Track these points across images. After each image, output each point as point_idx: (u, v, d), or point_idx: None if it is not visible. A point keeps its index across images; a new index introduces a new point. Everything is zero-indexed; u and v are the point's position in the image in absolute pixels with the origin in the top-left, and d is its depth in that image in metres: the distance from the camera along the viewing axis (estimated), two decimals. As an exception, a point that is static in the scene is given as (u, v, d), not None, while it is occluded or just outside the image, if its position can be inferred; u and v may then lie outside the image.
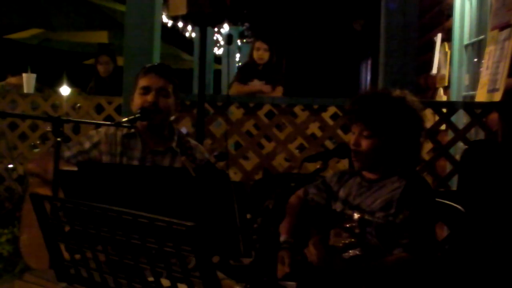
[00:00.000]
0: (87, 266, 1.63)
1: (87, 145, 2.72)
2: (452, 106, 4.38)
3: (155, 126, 2.69)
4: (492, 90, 4.06)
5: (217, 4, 3.46)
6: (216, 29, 10.91)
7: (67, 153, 2.67)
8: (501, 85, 3.91)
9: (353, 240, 2.22)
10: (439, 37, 5.77)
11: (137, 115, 2.61)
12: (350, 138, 2.34)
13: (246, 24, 13.14)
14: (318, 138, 4.61)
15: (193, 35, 10.43)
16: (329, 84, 14.37)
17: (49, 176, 2.51)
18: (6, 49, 10.97)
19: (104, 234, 1.53)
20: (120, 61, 5.58)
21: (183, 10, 3.48)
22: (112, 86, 6.36)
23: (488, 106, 4.14)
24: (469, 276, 2.99)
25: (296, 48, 14.67)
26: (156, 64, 2.94)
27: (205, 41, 3.78)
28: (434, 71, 5.79)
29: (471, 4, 5.14)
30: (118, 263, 1.54)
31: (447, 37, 5.54)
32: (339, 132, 4.51)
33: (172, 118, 2.80)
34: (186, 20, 9.20)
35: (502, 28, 4.06)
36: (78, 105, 5.30)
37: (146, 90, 2.68)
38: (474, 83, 4.86)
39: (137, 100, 2.69)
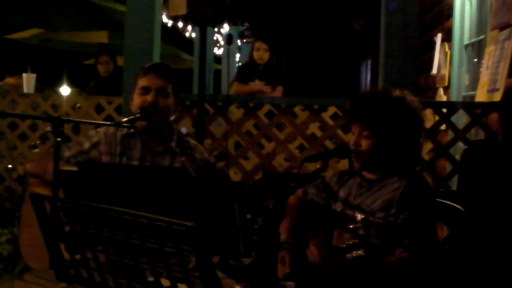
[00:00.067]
0: (87, 266, 1.63)
1: (86, 145, 2.72)
2: (452, 106, 4.38)
3: (154, 126, 2.69)
4: (492, 90, 4.06)
5: (217, 4, 3.46)
6: (216, 29, 10.91)
7: (66, 153, 2.67)
8: (501, 85, 3.91)
9: (356, 241, 2.21)
10: (439, 37, 5.77)
11: (137, 115, 2.61)
12: (350, 138, 2.34)
13: (246, 24, 13.14)
14: (318, 138, 4.61)
15: (193, 35, 10.43)
16: (329, 84, 14.38)
17: (48, 176, 2.51)
18: (6, 49, 10.98)
19: (104, 234, 1.53)
20: (120, 61, 5.58)
21: (183, 10, 3.48)
22: (112, 86, 6.36)
23: (488, 106, 4.14)
24: (469, 276, 2.99)
25: (296, 48, 14.67)
26: (155, 64, 2.93)
27: (205, 41, 3.78)
28: (434, 71, 5.79)
29: (471, 4, 5.14)
30: (118, 263, 1.54)
31: (447, 37, 5.54)
32: (339, 132, 4.51)
33: (172, 118, 2.80)
34: (186, 20, 9.20)
35: (502, 28, 4.06)
36: (78, 105, 5.30)
37: (145, 90, 2.68)
38: (474, 83, 4.86)
39: (137, 100, 2.69)
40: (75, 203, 1.60)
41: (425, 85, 6.22)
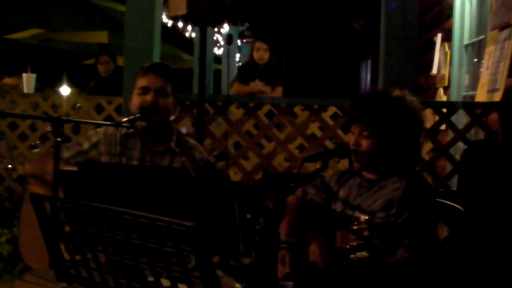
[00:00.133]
0: (87, 266, 1.63)
1: (86, 145, 2.71)
2: (452, 106, 4.38)
3: (154, 126, 2.69)
4: (492, 90, 4.06)
5: (217, 4, 3.46)
6: (216, 29, 10.92)
7: (66, 154, 2.67)
8: (501, 85, 3.91)
9: (361, 242, 2.21)
10: (439, 37, 5.77)
11: (137, 115, 2.60)
12: (350, 138, 2.34)
13: (246, 24, 13.14)
14: (318, 138, 4.61)
15: (193, 35, 10.44)
16: (329, 84, 14.38)
17: (48, 176, 2.51)
18: (6, 49, 10.98)
19: (104, 234, 1.53)
20: (120, 61, 5.58)
21: (183, 10, 3.48)
22: (112, 86, 6.36)
23: (488, 106, 4.14)
24: (469, 276, 2.99)
25: (296, 48, 14.67)
26: (154, 64, 2.92)
27: (205, 41, 3.78)
28: (434, 71, 5.79)
29: (471, 4, 5.14)
30: (118, 263, 1.54)
31: (447, 37, 5.54)
32: (339, 132, 4.51)
33: (172, 118, 2.80)
34: (186, 20, 9.21)
35: (502, 28, 4.06)
36: (78, 105, 5.30)
37: (145, 90, 2.67)
38: (474, 83, 4.86)
39: (136, 100, 2.68)
40: (75, 203, 1.60)
41: (425, 85, 6.22)
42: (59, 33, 9.01)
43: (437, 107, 4.40)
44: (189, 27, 10.47)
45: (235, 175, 4.62)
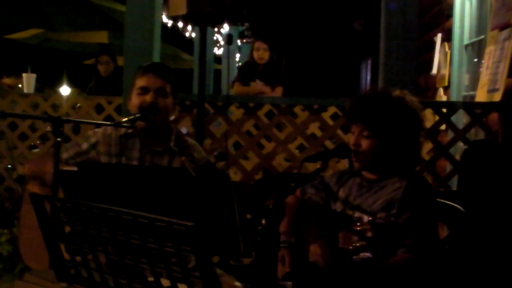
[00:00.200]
0: (87, 266, 1.63)
1: (84, 146, 2.71)
2: (452, 106, 4.38)
3: (153, 126, 2.68)
4: (492, 90, 4.06)
5: (217, 4, 3.46)
6: (216, 29, 10.92)
7: (65, 155, 2.66)
8: (501, 85, 3.91)
9: (364, 243, 2.21)
10: (439, 37, 5.77)
11: (136, 115, 2.60)
12: (350, 138, 2.34)
13: (246, 24, 13.14)
14: (318, 138, 4.61)
15: (193, 35, 10.44)
16: (329, 84, 14.38)
17: (47, 177, 2.50)
18: (6, 49, 10.98)
19: (104, 234, 1.53)
20: (120, 61, 5.58)
21: (183, 10, 3.48)
22: (112, 86, 6.36)
23: (488, 106, 4.14)
24: (469, 276, 2.99)
25: (296, 48, 14.67)
26: (154, 63, 2.92)
27: (205, 41, 3.78)
28: (434, 71, 5.79)
29: (471, 4, 5.14)
30: (118, 263, 1.54)
31: (447, 37, 5.54)
32: (339, 132, 4.51)
33: (172, 118, 2.80)
34: (186, 20, 9.21)
35: (502, 28, 4.06)
36: (78, 105, 5.30)
37: (144, 90, 2.66)
38: (474, 83, 4.86)
39: (135, 100, 2.67)
40: (75, 203, 1.60)
41: (425, 85, 6.22)
42: (59, 33, 9.01)
43: (437, 107, 4.40)
44: (189, 27, 10.47)
45: (235, 175, 4.62)
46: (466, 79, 5.21)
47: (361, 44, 14.06)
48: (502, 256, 3.13)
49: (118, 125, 2.64)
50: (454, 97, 5.25)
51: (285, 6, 12.95)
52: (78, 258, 1.64)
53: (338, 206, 2.37)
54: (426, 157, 4.31)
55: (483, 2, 4.88)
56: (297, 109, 4.67)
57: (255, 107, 4.61)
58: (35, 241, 2.18)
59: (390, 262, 2.17)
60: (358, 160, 2.31)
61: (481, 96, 4.28)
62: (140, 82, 2.68)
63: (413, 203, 2.21)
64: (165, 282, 1.48)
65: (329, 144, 4.64)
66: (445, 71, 5.51)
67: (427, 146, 4.30)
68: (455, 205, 2.47)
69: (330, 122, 4.57)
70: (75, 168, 2.26)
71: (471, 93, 4.90)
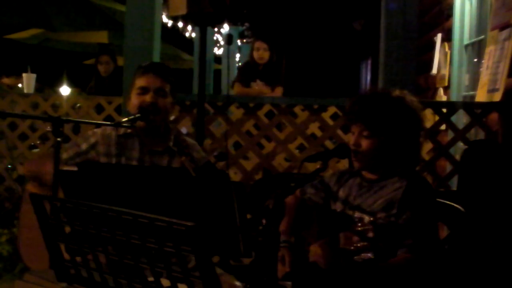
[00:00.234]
0: (87, 266, 1.63)
1: (84, 146, 2.70)
2: (452, 106, 4.38)
3: (153, 126, 2.68)
4: (492, 90, 4.06)
5: (217, 4, 3.46)
6: (216, 29, 10.92)
7: (64, 155, 2.65)
8: (501, 85, 3.91)
9: (365, 243, 2.21)
10: (439, 37, 5.77)
11: (136, 115, 2.60)
12: (350, 138, 2.34)
13: (246, 24, 13.15)
14: (318, 138, 4.61)
15: (193, 35, 10.45)
16: (329, 84, 14.39)
17: (47, 177, 2.50)
18: (6, 49, 10.99)
19: (104, 234, 1.53)
20: (120, 61, 5.58)
21: (183, 10, 3.48)
22: (112, 86, 6.36)
23: (488, 106, 4.14)
24: (469, 276, 2.99)
25: (296, 48, 14.68)
26: (153, 63, 2.91)
27: (205, 41, 3.78)
28: (434, 71, 5.79)
29: (471, 4, 5.14)
30: (118, 263, 1.54)
31: (447, 37, 5.54)
32: (339, 132, 4.51)
33: (172, 118, 2.79)
34: (186, 20, 9.21)
35: (502, 28, 4.06)
36: (78, 105, 5.30)
37: (144, 90, 2.66)
38: (474, 83, 4.86)
39: (135, 101, 2.66)
40: (75, 203, 1.60)
41: (425, 85, 6.22)
42: (59, 33, 9.02)
43: (437, 107, 4.40)
44: (189, 27, 10.47)
45: (235, 175, 4.62)
46: (466, 79, 5.21)
47: (361, 44, 14.06)
48: (502, 256, 3.13)
49: (118, 125, 2.64)
50: (454, 97, 5.25)
51: (285, 6, 12.96)
52: (78, 259, 1.63)
53: (338, 206, 2.37)
54: (426, 157, 4.31)
55: (483, 2, 4.88)
56: (297, 109, 4.67)
57: (255, 107, 4.61)
58: (35, 241, 2.18)
59: (391, 262, 2.17)
60: (358, 160, 2.31)
61: (481, 96, 4.28)
62: (140, 82, 2.68)
63: (413, 203, 2.21)
64: (165, 282, 1.48)
65: (329, 144, 4.64)
66: (445, 71, 5.51)
67: (427, 146, 4.30)
68: (455, 205, 2.47)
69: (330, 122, 4.57)
70: (75, 168, 2.26)
71: (471, 93, 4.90)
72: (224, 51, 12.10)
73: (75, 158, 2.66)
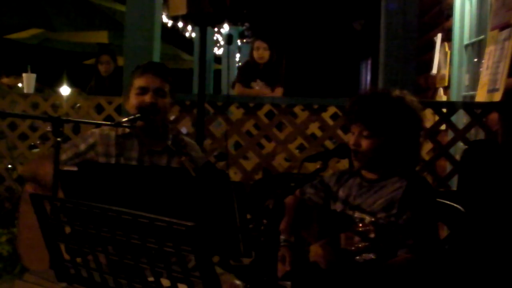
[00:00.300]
0: (87, 266, 1.63)
1: (82, 147, 2.69)
2: (452, 106, 4.38)
3: (152, 126, 2.67)
4: (492, 90, 4.06)
5: (217, 4, 3.46)
6: (216, 29, 10.92)
7: (63, 156, 2.64)
8: (501, 85, 3.91)
9: (367, 244, 2.21)
10: (439, 37, 5.77)
11: (136, 116, 2.59)
12: (350, 138, 2.34)
13: (246, 24, 13.15)
14: (318, 138, 4.61)
15: (193, 35, 10.44)
16: (329, 84, 14.38)
17: (46, 179, 2.49)
18: (6, 49, 10.99)
19: (104, 234, 1.53)
20: (120, 61, 5.58)
21: (183, 10, 3.48)
22: (112, 86, 6.36)
23: (488, 106, 4.14)
24: (469, 276, 2.99)
25: (296, 48, 14.68)
26: (152, 63, 2.90)
27: (205, 41, 3.78)
28: (434, 71, 5.79)
29: (471, 4, 5.14)
30: (118, 263, 1.54)
31: (447, 37, 5.54)
32: (339, 132, 4.51)
33: (172, 118, 2.79)
34: (186, 20, 9.20)
35: (502, 28, 4.06)
36: (78, 105, 5.30)
37: (143, 90, 2.65)
38: (474, 83, 4.86)
39: (134, 101, 2.66)
40: (75, 203, 1.60)
41: (425, 85, 6.22)
42: (59, 33, 9.02)
43: (437, 107, 4.40)
44: (189, 27, 10.47)
45: (235, 175, 4.62)
46: (466, 79, 5.21)
47: (361, 44, 14.06)
48: (502, 256, 3.13)
49: (119, 125, 2.63)
50: (454, 97, 5.25)
51: (285, 6, 12.96)
52: (78, 260, 1.63)
53: (338, 206, 2.37)
54: (426, 157, 4.31)
55: (483, 2, 4.88)
56: (297, 109, 4.66)
57: (255, 107, 4.61)
58: (34, 242, 2.18)
59: (391, 263, 2.17)
60: (358, 160, 2.31)
61: (481, 96, 4.28)
62: (139, 82, 2.67)
63: (414, 203, 2.21)
64: (165, 282, 1.48)
65: (329, 144, 4.64)
66: (445, 71, 5.51)
67: (427, 146, 4.30)
68: (455, 205, 2.47)
69: (330, 122, 4.57)
70: (75, 169, 2.25)
71: (471, 93, 4.90)
72: (224, 51, 12.09)
73: (74, 159, 2.65)
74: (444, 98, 5.49)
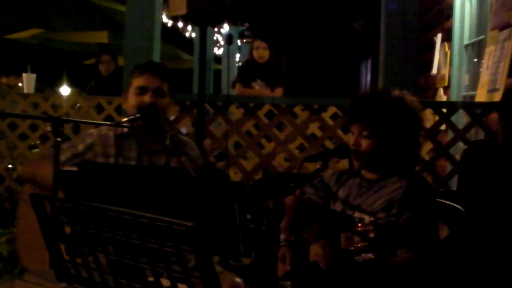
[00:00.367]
0: (87, 266, 1.63)
1: (80, 147, 2.67)
2: (452, 106, 4.38)
3: (151, 126, 2.67)
4: (492, 90, 4.06)
5: (217, 4, 3.46)
6: (216, 29, 10.92)
7: (62, 157, 2.63)
8: (501, 85, 3.91)
9: (366, 244, 2.21)
10: (439, 37, 5.77)
11: (136, 115, 2.59)
12: (350, 138, 2.34)
13: (246, 24, 13.15)
14: (318, 138, 4.61)
15: (193, 35, 10.45)
16: (329, 84, 14.38)
17: (42, 180, 2.49)
18: (6, 49, 10.99)
19: (104, 234, 1.53)
20: (121, 61, 5.58)
21: (183, 10, 3.48)
22: (112, 86, 6.36)
23: (488, 106, 4.14)
24: (469, 276, 2.99)
25: (296, 48, 14.68)
26: (151, 63, 2.89)
27: (205, 41, 3.78)
28: (434, 71, 5.79)
29: (471, 4, 5.14)
30: (118, 263, 1.54)
31: (447, 37, 5.54)
32: (339, 132, 4.51)
33: (172, 118, 2.79)
34: (186, 20, 9.20)
35: (502, 28, 4.06)
36: (78, 105, 5.30)
37: (142, 90, 2.64)
38: (474, 83, 4.86)
39: (133, 100, 2.64)
40: (75, 203, 1.60)
41: (425, 85, 6.22)
42: (59, 33, 9.01)
43: (437, 107, 4.40)
44: (189, 27, 10.47)
45: (235, 175, 4.62)
46: (466, 79, 5.21)
47: (361, 44, 14.06)
48: (502, 256, 3.13)
49: (119, 125, 2.63)
50: (454, 97, 5.25)
51: (285, 6, 12.96)
52: (78, 260, 1.63)
53: (337, 206, 2.37)
54: (426, 157, 4.31)
55: (483, 2, 4.88)
56: (297, 109, 4.67)
57: (255, 107, 4.61)
58: (33, 243, 2.17)
59: (391, 263, 2.17)
60: (358, 160, 2.31)
61: (481, 96, 4.28)
62: (138, 81, 2.66)
63: (413, 203, 2.21)
64: (165, 282, 1.48)
65: (329, 144, 4.64)
66: (445, 71, 5.51)
67: (427, 146, 4.30)
68: (455, 205, 2.47)
69: (330, 122, 4.57)
70: (74, 169, 2.25)
71: (471, 93, 4.90)
72: (224, 51, 12.10)
73: (73, 159, 2.64)
74: (444, 98, 5.49)
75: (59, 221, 1.64)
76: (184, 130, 4.68)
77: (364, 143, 2.28)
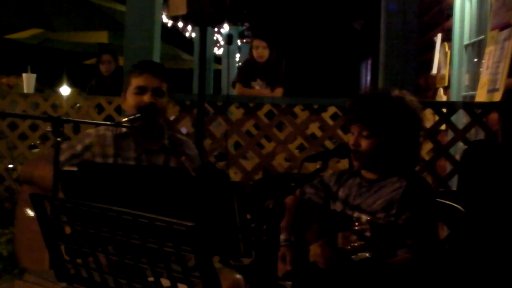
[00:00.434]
0: (87, 266, 1.63)
1: (79, 148, 2.66)
2: (452, 106, 4.38)
3: (150, 126, 2.67)
4: (492, 90, 4.06)
5: (217, 4, 3.45)
6: (216, 29, 10.93)
7: (61, 158, 2.63)
8: (501, 85, 3.91)
9: (363, 243, 2.21)
10: (439, 37, 5.77)
11: (136, 115, 2.58)
12: (350, 138, 2.34)
13: (246, 24, 13.16)
14: (318, 138, 4.61)
15: (193, 35, 10.46)
16: (329, 84, 14.39)
17: (44, 180, 2.49)
18: (6, 49, 10.99)
19: (104, 234, 1.53)
20: (120, 61, 5.59)
21: (183, 10, 3.48)
22: (113, 86, 6.36)
23: (488, 106, 4.14)
24: (469, 276, 2.99)
25: (296, 48, 14.68)
26: (150, 62, 2.88)
27: (205, 41, 3.78)
28: (434, 71, 5.79)
29: (471, 4, 5.14)
30: (118, 263, 1.54)
31: (447, 37, 5.54)
32: (339, 132, 4.51)
33: (172, 118, 2.79)
34: (186, 20, 9.21)
35: (502, 28, 4.06)
36: (78, 105, 5.30)
37: (141, 90, 2.64)
38: (474, 83, 4.86)
39: (131, 100, 2.64)
40: (75, 203, 1.60)
41: (425, 85, 6.22)
42: (59, 33, 9.02)
43: (437, 107, 4.40)
44: (189, 27, 10.48)
45: (235, 175, 4.62)
46: (466, 79, 5.21)
47: (361, 44, 14.07)
48: (502, 256, 3.13)
49: (119, 125, 2.62)
50: (454, 97, 5.25)
51: (285, 6, 12.96)
52: (78, 261, 1.63)
53: (337, 206, 2.37)
54: (426, 157, 4.31)
55: (483, 2, 4.88)
56: (297, 109, 4.67)
57: (255, 107, 4.61)
58: (32, 243, 2.17)
59: (391, 262, 2.17)
60: (358, 160, 2.31)
61: (481, 96, 4.28)
62: (137, 81, 2.65)
63: (413, 203, 2.22)
64: (165, 282, 1.48)
65: (329, 144, 4.64)
66: (445, 71, 5.51)
67: (427, 146, 4.30)
68: (455, 205, 2.47)
69: (330, 122, 4.57)
70: (74, 169, 2.25)
71: (471, 93, 4.90)
72: (224, 51, 12.10)
73: (72, 160, 2.64)
74: (444, 98, 5.49)
75: (59, 221, 1.64)
76: (184, 130, 4.68)
77: (364, 143, 2.28)
